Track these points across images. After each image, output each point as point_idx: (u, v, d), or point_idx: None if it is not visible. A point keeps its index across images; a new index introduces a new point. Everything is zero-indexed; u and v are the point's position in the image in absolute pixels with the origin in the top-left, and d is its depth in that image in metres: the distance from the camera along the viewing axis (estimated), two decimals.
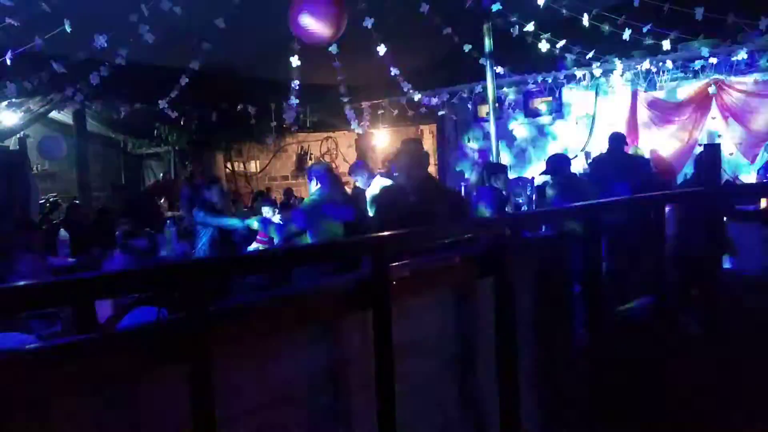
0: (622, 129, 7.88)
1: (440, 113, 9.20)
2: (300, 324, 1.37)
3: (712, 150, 2.44)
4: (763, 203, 6.48)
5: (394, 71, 6.84)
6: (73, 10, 4.72)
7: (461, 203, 3.75)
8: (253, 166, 14.13)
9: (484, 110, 9.50)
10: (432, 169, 8.96)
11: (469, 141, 10.00)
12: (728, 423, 2.48)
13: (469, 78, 8.53)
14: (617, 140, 6.98)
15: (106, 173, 12.09)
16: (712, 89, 7.05)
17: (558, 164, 5.02)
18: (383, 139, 11.70)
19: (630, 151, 6.82)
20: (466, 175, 9.34)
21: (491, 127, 6.67)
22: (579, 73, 7.82)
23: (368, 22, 5.98)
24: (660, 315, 2.38)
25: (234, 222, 5.23)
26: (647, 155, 7.57)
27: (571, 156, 8.55)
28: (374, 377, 1.42)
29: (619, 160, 6.78)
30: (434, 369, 1.71)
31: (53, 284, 1.12)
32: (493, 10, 6.08)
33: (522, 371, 1.75)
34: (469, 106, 9.41)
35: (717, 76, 7.03)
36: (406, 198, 3.35)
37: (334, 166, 13.49)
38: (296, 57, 6.23)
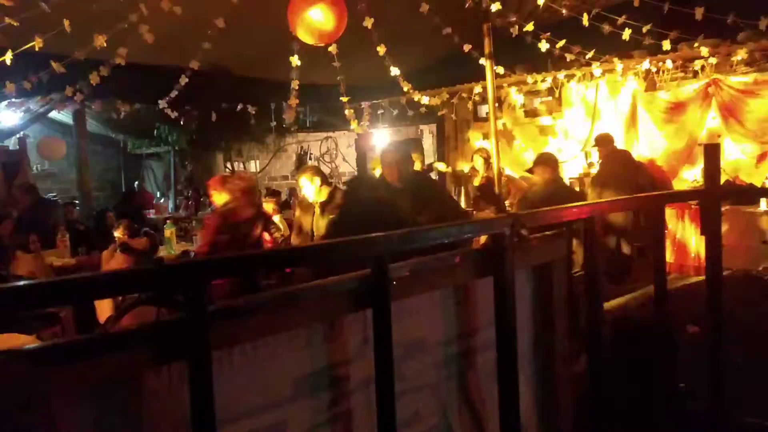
0: (622, 129, 7.88)
1: (440, 113, 9.19)
2: (300, 323, 1.37)
3: (712, 150, 2.44)
4: (763, 204, 6.50)
5: (394, 71, 6.83)
6: (73, 10, 4.72)
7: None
8: (253, 166, 14.13)
9: (484, 110, 9.50)
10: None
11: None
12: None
13: (469, 78, 8.53)
14: (610, 141, 6.97)
15: (106, 173, 12.10)
16: (712, 89, 7.04)
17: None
18: (383, 139, 11.70)
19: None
20: None
21: (491, 127, 6.67)
22: (579, 73, 7.81)
23: (368, 22, 5.97)
24: (658, 315, 2.38)
25: None
26: (645, 162, 7.58)
27: (570, 156, 8.59)
28: (374, 377, 1.41)
29: (622, 159, 6.75)
30: (434, 369, 1.71)
31: (53, 284, 1.12)
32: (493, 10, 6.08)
33: (522, 371, 1.75)
34: (469, 106, 9.40)
35: (717, 76, 7.02)
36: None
37: (333, 166, 13.53)
38: (296, 57, 6.22)
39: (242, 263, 1.39)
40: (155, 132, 10.85)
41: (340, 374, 1.47)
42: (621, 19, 5.93)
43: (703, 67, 7.07)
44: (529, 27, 6.32)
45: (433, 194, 3.79)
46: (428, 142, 11.73)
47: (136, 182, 12.56)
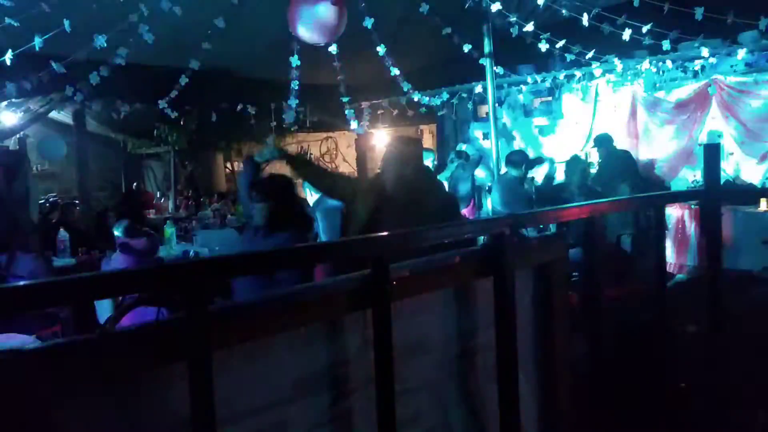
0: (622, 129, 7.88)
1: (440, 113, 9.19)
2: (300, 323, 1.37)
3: (712, 150, 2.44)
4: (763, 204, 6.50)
5: (394, 71, 6.83)
6: (73, 10, 4.72)
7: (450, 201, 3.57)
8: None
9: (484, 110, 9.50)
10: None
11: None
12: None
13: (469, 78, 8.52)
14: (609, 141, 6.98)
15: (106, 173, 12.10)
16: (712, 89, 7.04)
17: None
18: (383, 139, 11.71)
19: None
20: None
21: (491, 127, 6.68)
22: (579, 73, 7.82)
23: (368, 22, 5.98)
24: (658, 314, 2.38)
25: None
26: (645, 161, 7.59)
27: (569, 156, 8.58)
28: (374, 377, 1.41)
29: (622, 159, 6.78)
30: (434, 369, 1.71)
31: (53, 284, 1.12)
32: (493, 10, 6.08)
33: (522, 371, 1.75)
34: (469, 106, 9.40)
35: (717, 76, 7.02)
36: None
37: (333, 166, 13.51)
38: (296, 57, 6.23)
39: (243, 263, 1.39)
40: (155, 132, 10.85)
41: (340, 374, 1.47)
42: (621, 19, 5.93)
43: (703, 67, 7.07)
44: (529, 27, 6.32)
45: (427, 209, 2.93)
46: (428, 142, 11.73)
47: (136, 182, 12.56)
